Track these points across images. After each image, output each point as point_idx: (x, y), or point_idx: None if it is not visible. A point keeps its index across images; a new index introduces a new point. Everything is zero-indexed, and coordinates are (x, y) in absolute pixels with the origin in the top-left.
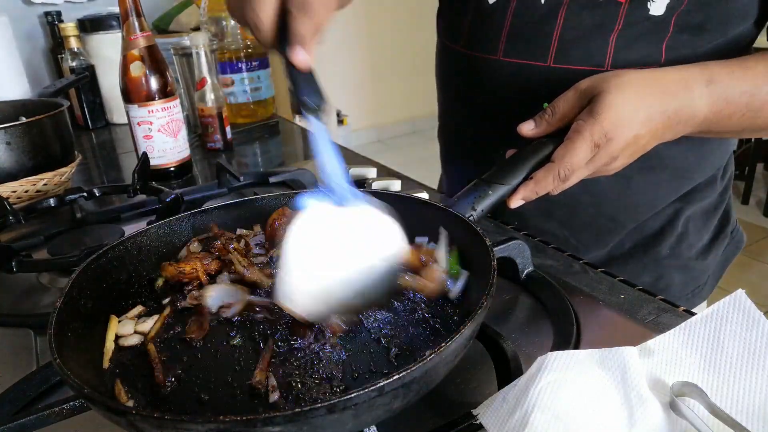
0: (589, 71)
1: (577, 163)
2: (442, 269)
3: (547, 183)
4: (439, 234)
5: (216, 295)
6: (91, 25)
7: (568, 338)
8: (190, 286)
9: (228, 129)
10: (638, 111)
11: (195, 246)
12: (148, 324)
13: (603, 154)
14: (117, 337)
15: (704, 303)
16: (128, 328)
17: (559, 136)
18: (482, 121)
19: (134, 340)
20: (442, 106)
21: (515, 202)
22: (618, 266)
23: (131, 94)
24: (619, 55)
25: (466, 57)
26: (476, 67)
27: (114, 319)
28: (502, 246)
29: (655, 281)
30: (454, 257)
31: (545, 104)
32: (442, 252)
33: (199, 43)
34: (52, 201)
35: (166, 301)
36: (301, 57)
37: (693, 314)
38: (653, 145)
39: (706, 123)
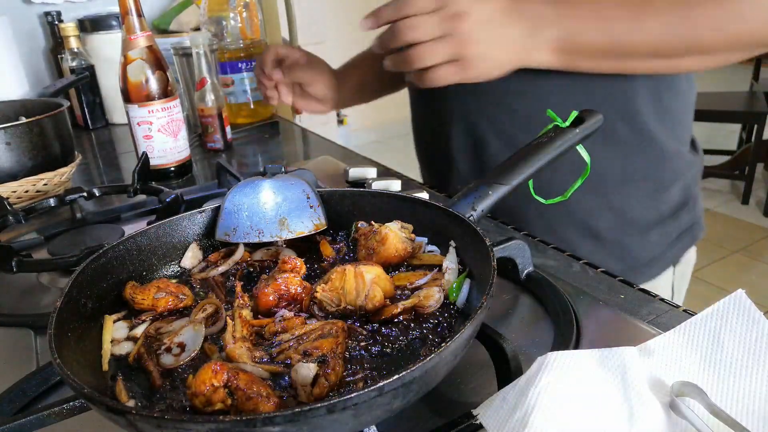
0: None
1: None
2: (445, 282)
3: (386, 9)
4: (449, 246)
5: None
6: (91, 25)
7: (568, 338)
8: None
9: (228, 129)
10: None
11: (195, 251)
12: (142, 328)
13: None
14: (112, 341)
15: (652, 282)
16: (122, 332)
17: None
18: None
19: (126, 348)
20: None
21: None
22: (557, 236)
23: (131, 94)
24: None
25: None
26: None
27: (109, 320)
28: (502, 246)
29: (593, 252)
30: (459, 280)
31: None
32: (452, 265)
33: (199, 43)
34: (52, 201)
35: (141, 329)
36: None
37: (693, 314)
38: (503, 19)
39: (556, 22)
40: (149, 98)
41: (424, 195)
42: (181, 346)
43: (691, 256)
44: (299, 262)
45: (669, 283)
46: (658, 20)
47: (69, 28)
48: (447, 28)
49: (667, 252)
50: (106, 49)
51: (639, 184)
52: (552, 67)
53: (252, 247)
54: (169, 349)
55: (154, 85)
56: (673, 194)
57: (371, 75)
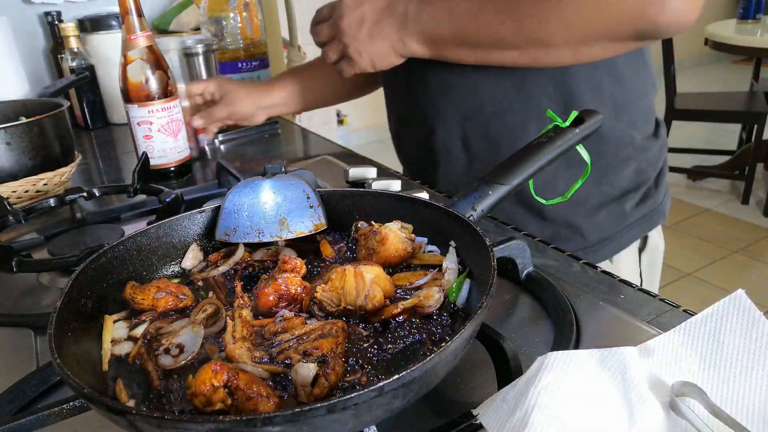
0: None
1: (323, 9)
2: (445, 282)
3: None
4: (449, 246)
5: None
6: (91, 25)
7: (568, 338)
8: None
9: (202, 137)
10: None
11: (196, 251)
12: (142, 328)
13: (337, 8)
14: (112, 340)
15: (610, 264)
16: (122, 332)
17: None
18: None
19: (126, 348)
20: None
21: None
22: (506, 215)
23: (131, 94)
24: None
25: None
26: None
27: (109, 320)
28: (502, 246)
29: (540, 229)
30: (459, 280)
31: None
32: (452, 265)
33: (170, 48)
34: (52, 201)
35: (141, 329)
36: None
37: (693, 314)
38: (376, 17)
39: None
40: (149, 98)
41: (424, 195)
42: (180, 348)
43: (657, 242)
44: (299, 262)
45: (635, 269)
46: (489, 11)
47: (69, 28)
48: (334, 31)
49: (622, 234)
50: (106, 49)
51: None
52: (426, 57)
53: (252, 247)
54: (167, 351)
55: (154, 85)
56: (622, 178)
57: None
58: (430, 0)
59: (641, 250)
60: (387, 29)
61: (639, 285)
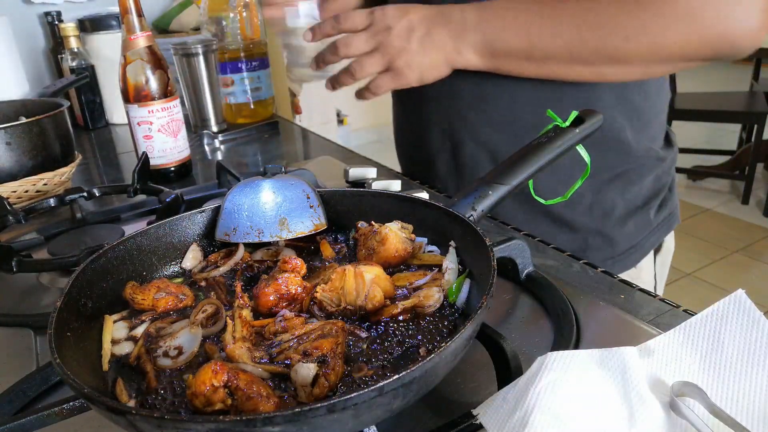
0: None
1: (356, 18)
2: (445, 282)
3: (326, 24)
4: (449, 247)
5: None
6: (91, 25)
7: (568, 338)
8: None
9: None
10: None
11: (196, 251)
12: (142, 328)
13: (378, 17)
14: (112, 340)
15: (635, 270)
16: (122, 332)
17: None
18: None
19: (126, 348)
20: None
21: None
22: (533, 227)
23: (131, 94)
24: None
25: None
26: None
27: (109, 320)
28: (502, 246)
29: (570, 241)
30: (459, 280)
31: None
32: (451, 265)
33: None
34: (52, 201)
35: (141, 329)
36: None
37: (693, 314)
38: (427, 27)
39: (479, 25)
40: (149, 98)
41: (424, 195)
42: (179, 349)
43: (670, 244)
44: (299, 262)
45: (651, 272)
46: (570, 26)
47: (69, 28)
48: (376, 42)
49: (646, 240)
50: (106, 49)
51: (608, 180)
52: (480, 69)
53: (252, 247)
54: (166, 353)
55: (154, 85)
56: (644, 187)
57: None
58: (490, 7)
59: (656, 252)
60: (442, 39)
61: (654, 287)
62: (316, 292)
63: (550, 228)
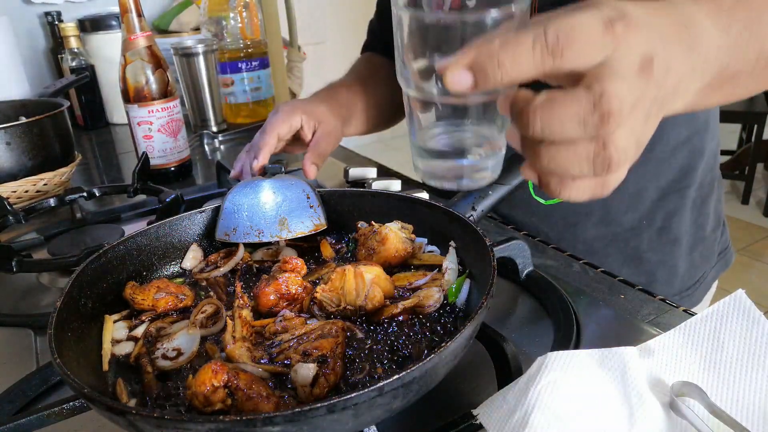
0: None
1: (581, 31)
2: (445, 282)
3: (520, 54)
4: (449, 247)
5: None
6: (91, 25)
7: (568, 338)
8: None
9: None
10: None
11: (196, 251)
12: (142, 328)
13: (620, 29)
14: (112, 340)
15: (699, 307)
16: (122, 332)
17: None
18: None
19: (126, 348)
20: None
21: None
22: (598, 259)
23: (131, 94)
24: None
25: None
26: None
27: (109, 320)
28: (502, 246)
29: (636, 274)
30: (459, 280)
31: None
32: (451, 265)
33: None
34: (52, 201)
35: (141, 329)
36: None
37: (693, 314)
38: (661, 46)
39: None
40: (149, 98)
41: (424, 195)
42: (178, 351)
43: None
44: (299, 262)
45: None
46: None
47: (69, 28)
48: (591, 126)
49: (709, 273)
50: (106, 49)
51: (679, 192)
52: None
53: (252, 247)
54: (165, 355)
55: (154, 85)
56: (709, 208)
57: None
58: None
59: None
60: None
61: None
62: (316, 292)
63: (613, 259)
